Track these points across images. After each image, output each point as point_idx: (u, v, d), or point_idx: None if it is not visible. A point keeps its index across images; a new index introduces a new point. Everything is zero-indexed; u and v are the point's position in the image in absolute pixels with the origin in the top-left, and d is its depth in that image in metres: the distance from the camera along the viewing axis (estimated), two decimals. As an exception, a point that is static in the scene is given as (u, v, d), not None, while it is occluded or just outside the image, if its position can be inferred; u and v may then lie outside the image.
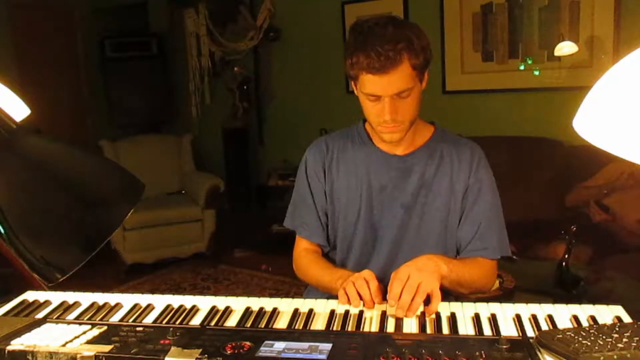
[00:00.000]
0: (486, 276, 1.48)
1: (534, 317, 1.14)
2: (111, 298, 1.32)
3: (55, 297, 1.34)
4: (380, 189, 1.48)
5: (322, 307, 1.23)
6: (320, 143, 1.58)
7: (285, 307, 1.23)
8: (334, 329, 1.13)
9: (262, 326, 1.15)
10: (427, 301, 1.19)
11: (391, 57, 1.28)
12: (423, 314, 1.17)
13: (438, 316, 1.16)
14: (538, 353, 0.96)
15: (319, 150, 1.56)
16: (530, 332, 1.08)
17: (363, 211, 1.49)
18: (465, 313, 1.17)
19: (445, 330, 1.11)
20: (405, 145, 1.48)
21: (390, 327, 1.14)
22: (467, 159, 1.48)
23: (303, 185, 1.57)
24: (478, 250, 1.46)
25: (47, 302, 1.32)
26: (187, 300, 1.28)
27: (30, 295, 1.36)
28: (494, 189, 1.50)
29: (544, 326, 1.10)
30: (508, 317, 1.15)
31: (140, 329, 1.11)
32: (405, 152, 1.49)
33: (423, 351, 0.95)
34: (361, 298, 1.23)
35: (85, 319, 1.22)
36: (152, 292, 1.35)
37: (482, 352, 0.95)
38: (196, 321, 1.19)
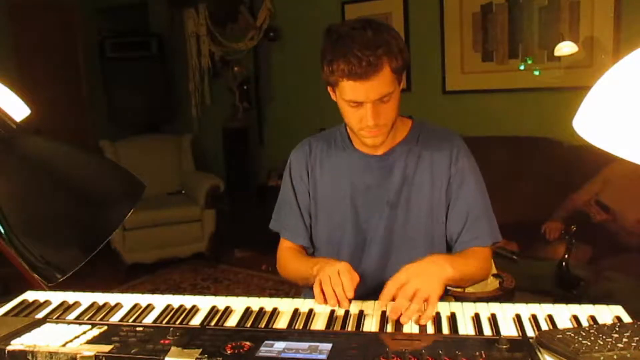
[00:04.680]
0: (484, 266, 1.49)
1: (534, 317, 1.14)
2: (111, 298, 1.32)
3: (55, 297, 1.34)
4: (365, 190, 1.49)
5: (322, 307, 1.23)
6: (303, 146, 1.58)
7: (285, 307, 1.23)
8: (334, 329, 1.14)
9: (262, 326, 1.15)
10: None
11: (372, 63, 1.26)
12: (420, 317, 1.17)
13: (438, 316, 1.16)
14: (538, 353, 0.96)
15: (302, 153, 1.56)
16: (530, 332, 1.08)
17: (349, 213, 1.49)
18: (465, 313, 1.17)
19: (445, 330, 1.11)
20: (384, 145, 1.47)
21: (390, 327, 1.14)
22: (447, 150, 1.47)
23: (287, 187, 1.58)
24: (470, 240, 1.46)
25: (47, 302, 1.32)
26: (187, 300, 1.28)
27: (30, 295, 1.36)
28: (477, 176, 1.49)
29: (544, 326, 1.10)
30: (508, 317, 1.15)
31: (140, 329, 1.11)
32: (385, 151, 1.49)
33: (423, 351, 0.95)
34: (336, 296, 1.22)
35: (85, 319, 1.22)
36: (152, 292, 1.35)
37: (482, 352, 0.95)
38: (196, 321, 1.19)
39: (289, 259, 1.56)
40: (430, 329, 1.12)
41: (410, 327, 1.13)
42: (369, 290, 1.28)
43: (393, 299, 1.19)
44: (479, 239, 1.46)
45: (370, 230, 1.49)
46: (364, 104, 1.32)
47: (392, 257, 1.49)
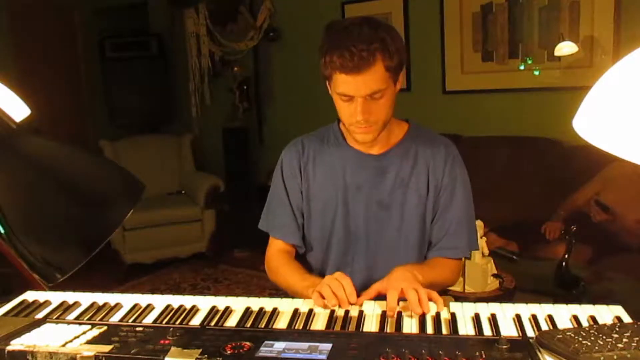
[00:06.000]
0: (452, 275, 1.53)
1: (534, 317, 1.14)
2: (111, 298, 1.32)
3: (55, 297, 1.34)
4: (357, 188, 1.49)
5: (322, 307, 1.23)
6: (296, 144, 1.57)
7: (285, 307, 1.23)
8: (334, 329, 1.13)
9: (262, 326, 1.15)
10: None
11: (364, 57, 1.28)
12: (423, 314, 1.17)
13: (438, 316, 1.16)
14: (538, 353, 0.96)
15: (295, 151, 1.56)
16: (530, 332, 1.08)
17: (340, 211, 1.50)
18: (465, 313, 1.17)
19: (445, 330, 1.11)
20: (380, 145, 1.48)
21: (390, 327, 1.14)
22: (442, 157, 1.49)
23: (279, 186, 1.57)
24: (447, 249, 1.49)
25: (47, 302, 1.32)
26: (187, 300, 1.28)
27: (30, 295, 1.36)
28: (466, 188, 1.52)
29: (544, 326, 1.10)
30: (508, 317, 1.15)
31: (140, 329, 1.11)
32: (380, 152, 1.49)
33: (423, 351, 0.95)
34: (336, 297, 1.22)
35: (85, 319, 1.22)
36: (152, 292, 1.35)
37: (482, 352, 0.95)
38: (196, 321, 1.19)
39: (280, 264, 1.53)
40: (430, 329, 1.12)
41: (410, 327, 1.13)
42: (357, 290, 1.27)
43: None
44: (456, 249, 1.49)
45: (359, 229, 1.49)
46: (355, 98, 1.33)
47: (381, 258, 1.49)
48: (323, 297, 1.23)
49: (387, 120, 1.41)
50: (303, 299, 1.27)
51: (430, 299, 1.20)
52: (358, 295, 1.25)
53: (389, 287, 1.22)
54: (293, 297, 1.29)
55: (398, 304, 1.20)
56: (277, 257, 1.55)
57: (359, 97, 1.33)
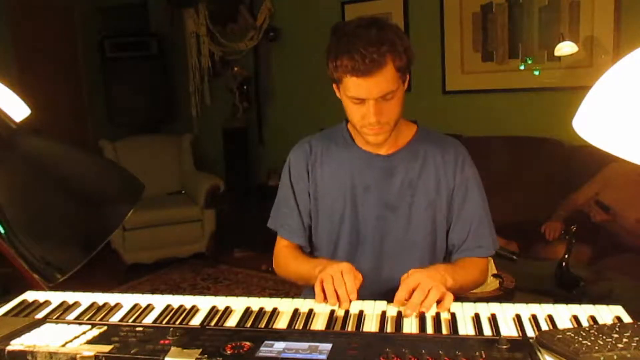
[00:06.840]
0: (482, 274, 1.52)
1: (534, 317, 1.13)
2: (111, 298, 1.32)
3: (55, 297, 1.34)
4: (364, 189, 1.49)
5: (322, 307, 1.23)
6: (303, 145, 1.57)
7: (285, 307, 1.23)
8: (334, 329, 1.13)
9: (262, 326, 1.14)
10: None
11: (376, 60, 1.28)
12: (422, 313, 1.17)
13: (438, 316, 1.16)
14: (538, 353, 0.96)
15: (302, 152, 1.56)
16: (530, 332, 1.08)
17: (347, 212, 1.50)
18: (465, 313, 1.17)
19: (445, 330, 1.11)
20: (388, 145, 1.48)
21: (390, 327, 1.14)
22: (452, 158, 1.49)
23: (286, 187, 1.57)
24: (473, 249, 1.48)
25: (47, 302, 1.32)
26: (187, 300, 1.28)
27: (30, 295, 1.36)
28: (480, 186, 1.51)
29: (544, 326, 1.10)
30: (508, 317, 1.15)
31: (140, 329, 1.11)
32: (388, 152, 1.49)
33: (423, 351, 0.95)
34: (337, 296, 1.22)
35: (85, 319, 1.22)
36: (152, 292, 1.35)
37: (482, 352, 0.95)
38: (196, 321, 1.19)
39: (289, 258, 1.56)
40: (430, 329, 1.12)
41: (411, 327, 1.13)
42: (363, 291, 1.27)
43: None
44: (482, 248, 1.49)
45: (367, 229, 1.49)
46: (367, 100, 1.33)
47: (388, 259, 1.49)
48: (325, 294, 1.23)
49: (397, 120, 1.41)
50: (303, 299, 1.27)
51: (439, 300, 1.19)
52: (361, 293, 1.25)
53: (404, 280, 1.22)
54: (293, 297, 1.29)
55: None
56: (285, 251, 1.58)
57: (371, 99, 1.33)
